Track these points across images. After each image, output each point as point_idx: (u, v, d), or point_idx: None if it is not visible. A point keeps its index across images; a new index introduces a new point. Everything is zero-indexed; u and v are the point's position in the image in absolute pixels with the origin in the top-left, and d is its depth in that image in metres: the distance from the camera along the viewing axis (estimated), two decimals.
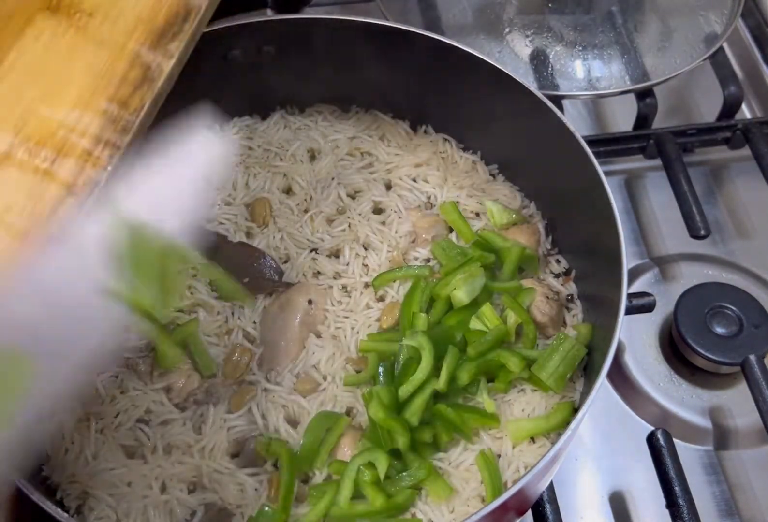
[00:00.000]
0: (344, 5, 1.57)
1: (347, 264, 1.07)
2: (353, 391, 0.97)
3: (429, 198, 1.14)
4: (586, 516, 1.09)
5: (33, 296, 0.67)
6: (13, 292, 0.67)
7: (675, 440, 1.06)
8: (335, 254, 1.09)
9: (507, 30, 1.41)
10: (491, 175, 1.17)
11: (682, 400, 1.16)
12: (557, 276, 1.09)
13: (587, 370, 0.99)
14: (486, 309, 0.98)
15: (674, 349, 1.18)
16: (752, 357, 1.10)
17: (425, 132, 1.19)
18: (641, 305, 1.13)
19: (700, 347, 1.13)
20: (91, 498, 0.91)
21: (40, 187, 0.77)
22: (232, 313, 1.03)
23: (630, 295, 1.12)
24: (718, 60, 1.40)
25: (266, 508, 0.88)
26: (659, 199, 1.36)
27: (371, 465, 0.89)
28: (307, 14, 1.22)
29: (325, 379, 0.98)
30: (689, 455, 1.12)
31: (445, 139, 1.18)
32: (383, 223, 1.11)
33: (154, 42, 0.84)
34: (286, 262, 1.07)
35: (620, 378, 1.18)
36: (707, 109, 1.46)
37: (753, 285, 1.23)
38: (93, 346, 0.71)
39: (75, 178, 0.77)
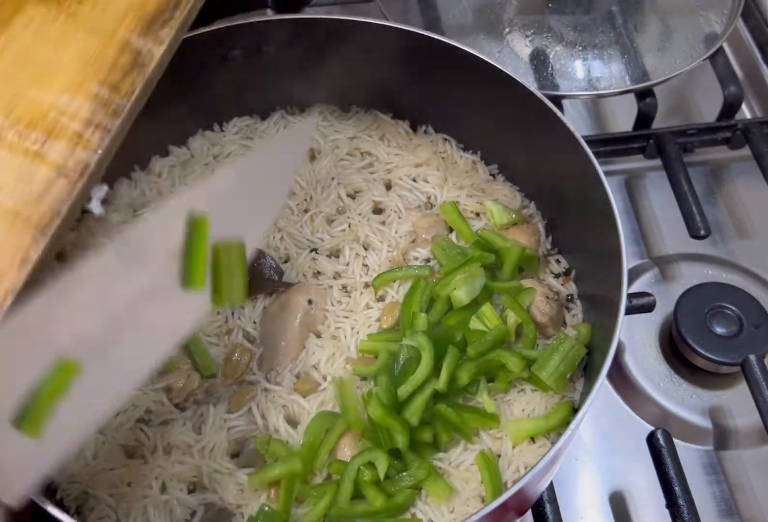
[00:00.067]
0: (344, 5, 1.57)
1: (347, 264, 1.07)
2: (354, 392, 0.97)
3: (429, 198, 1.14)
4: (586, 516, 1.09)
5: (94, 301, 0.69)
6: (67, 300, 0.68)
7: (675, 440, 1.06)
8: (335, 254, 1.09)
9: (507, 30, 1.41)
10: (491, 175, 1.17)
11: (682, 400, 1.16)
12: (557, 276, 1.09)
13: (587, 370, 0.99)
14: (486, 309, 0.98)
15: (674, 349, 1.18)
16: (752, 357, 1.10)
17: (425, 132, 1.19)
18: (641, 305, 1.13)
19: (700, 347, 1.13)
20: (91, 498, 0.91)
21: (31, 169, 0.77)
22: (232, 313, 1.03)
23: (630, 295, 1.12)
24: (718, 60, 1.40)
25: (266, 508, 0.88)
26: (659, 199, 1.36)
27: (371, 465, 0.89)
28: (307, 14, 1.22)
29: (325, 379, 0.98)
30: (689, 455, 1.12)
31: (445, 139, 1.18)
32: (383, 223, 1.11)
33: (144, 29, 0.85)
34: (286, 262, 1.07)
35: (620, 378, 1.18)
36: (707, 109, 1.46)
37: (753, 285, 1.23)
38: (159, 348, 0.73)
39: (66, 160, 0.78)
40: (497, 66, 1.03)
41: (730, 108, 1.39)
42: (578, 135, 0.98)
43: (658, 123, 1.38)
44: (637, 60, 1.37)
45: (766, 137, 1.34)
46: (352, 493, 0.88)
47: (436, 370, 0.93)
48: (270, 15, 1.23)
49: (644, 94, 1.35)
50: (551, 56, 1.37)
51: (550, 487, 1.00)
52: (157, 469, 0.92)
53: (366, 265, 1.07)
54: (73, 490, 0.92)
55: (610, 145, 1.36)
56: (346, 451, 0.93)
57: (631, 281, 1.21)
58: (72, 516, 0.84)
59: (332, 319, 1.03)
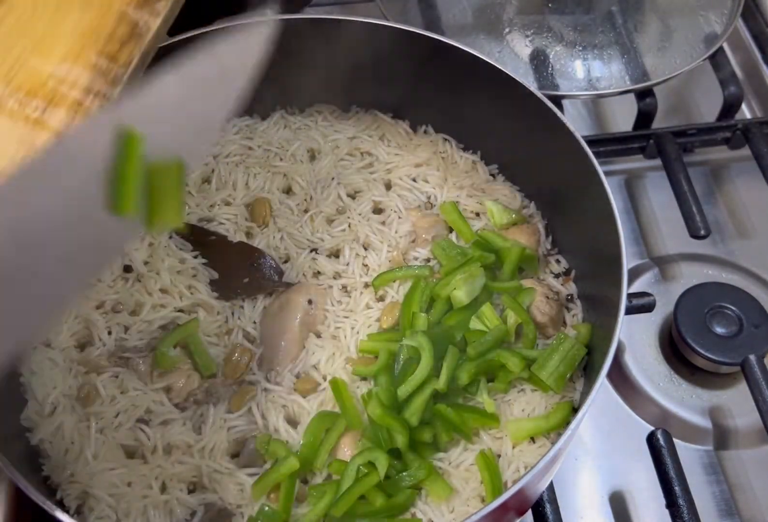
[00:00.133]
0: (344, 5, 1.57)
1: (347, 264, 1.07)
2: (353, 392, 0.97)
3: (429, 198, 1.14)
4: (586, 516, 1.09)
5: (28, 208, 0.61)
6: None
7: (675, 440, 1.07)
8: (335, 254, 1.09)
9: (507, 30, 1.41)
10: (491, 175, 1.16)
11: (682, 400, 1.16)
12: (557, 276, 1.09)
13: (587, 370, 0.99)
14: (486, 309, 0.98)
15: (674, 349, 1.18)
16: (752, 357, 1.10)
17: (425, 132, 1.19)
18: (641, 305, 1.14)
19: (700, 347, 1.13)
20: (91, 498, 0.91)
21: (31, 135, 0.78)
22: (232, 313, 1.03)
23: (630, 295, 1.12)
24: (718, 60, 1.40)
25: (266, 508, 0.88)
26: (659, 199, 1.36)
27: (371, 465, 0.89)
28: (307, 14, 1.22)
29: (325, 379, 0.98)
30: (689, 455, 1.12)
31: (445, 139, 1.18)
32: (383, 223, 1.11)
33: (141, 2, 0.86)
34: (286, 262, 1.07)
35: (620, 378, 1.18)
36: (707, 109, 1.46)
37: (753, 285, 1.23)
38: (90, 261, 0.67)
39: (66, 126, 0.79)
40: (497, 66, 1.03)
41: (730, 108, 1.39)
42: (578, 135, 0.98)
43: (658, 123, 1.38)
44: (637, 60, 1.37)
45: (766, 137, 1.34)
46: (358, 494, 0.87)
47: (436, 370, 0.93)
48: (270, 15, 1.23)
49: (644, 94, 1.35)
50: (551, 56, 1.37)
51: (550, 487, 1.00)
52: (157, 469, 0.92)
53: (366, 265, 1.07)
54: (73, 490, 0.92)
55: (610, 145, 1.36)
56: (346, 451, 0.93)
57: (631, 281, 1.21)
58: (72, 516, 0.84)
59: (332, 319, 1.03)
